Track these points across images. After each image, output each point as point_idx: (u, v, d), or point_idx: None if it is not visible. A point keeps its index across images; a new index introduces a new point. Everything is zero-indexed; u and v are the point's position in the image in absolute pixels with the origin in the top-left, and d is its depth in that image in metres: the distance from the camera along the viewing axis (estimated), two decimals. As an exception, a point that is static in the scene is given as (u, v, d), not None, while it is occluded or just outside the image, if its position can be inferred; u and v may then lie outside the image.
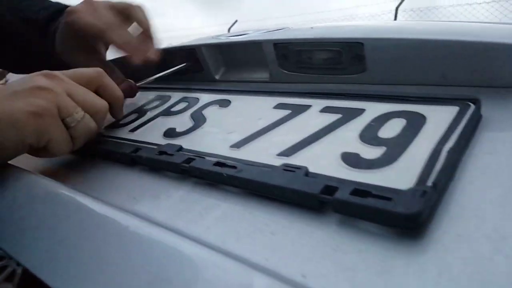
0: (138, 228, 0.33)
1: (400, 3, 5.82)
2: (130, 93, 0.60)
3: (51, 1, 0.68)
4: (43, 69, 0.47)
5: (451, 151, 0.32)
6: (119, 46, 0.60)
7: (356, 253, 0.28)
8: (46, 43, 0.65)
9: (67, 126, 0.45)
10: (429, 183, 0.29)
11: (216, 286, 0.25)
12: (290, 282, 0.25)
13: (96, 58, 0.64)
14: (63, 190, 0.40)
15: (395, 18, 5.90)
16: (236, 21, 7.28)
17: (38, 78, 0.44)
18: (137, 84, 0.61)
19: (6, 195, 0.41)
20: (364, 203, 0.29)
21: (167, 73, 0.67)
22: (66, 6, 0.66)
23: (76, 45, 0.62)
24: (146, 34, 0.63)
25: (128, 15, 0.62)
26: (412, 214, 0.27)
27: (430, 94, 0.40)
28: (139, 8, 0.63)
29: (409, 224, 0.27)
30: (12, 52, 0.70)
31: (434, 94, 0.40)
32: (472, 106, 0.37)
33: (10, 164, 0.46)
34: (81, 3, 0.62)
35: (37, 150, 0.44)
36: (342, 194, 0.30)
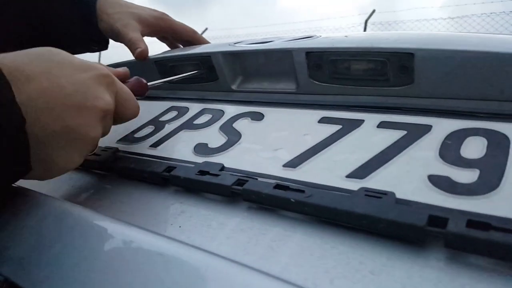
0: (201, 263, 0.27)
1: (370, 16, 5.98)
2: (140, 91, 0.53)
3: None
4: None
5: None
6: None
7: (488, 299, 0.23)
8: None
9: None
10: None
11: None
12: None
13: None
14: (96, 219, 0.33)
15: (365, 30, 6.06)
16: (206, 29, 7.22)
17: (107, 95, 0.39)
18: (148, 84, 0.55)
19: (35, 225, 0.34)
20: (488, 238, 0.25)
21: (179, 77, 0.61)
22: None
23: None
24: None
25: None
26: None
27: (502, 111, 0.37)
28: None
29: (550, 263, 0.23)
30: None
31: (504, 110, 0.37)
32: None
33: (27, 189, 0.39)
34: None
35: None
36: (456, 227, 0.26)
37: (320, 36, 0.56)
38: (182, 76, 0.61)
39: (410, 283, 0.25)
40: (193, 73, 0.62)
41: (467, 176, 0.31)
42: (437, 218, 0.27)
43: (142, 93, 0.52)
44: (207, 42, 0.74)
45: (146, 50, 0.65)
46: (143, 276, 0.27)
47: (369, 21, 6.14)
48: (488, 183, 0.30)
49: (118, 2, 0.69)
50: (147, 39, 0.70)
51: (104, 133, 0.41)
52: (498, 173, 0.30)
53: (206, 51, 0.61)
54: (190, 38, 0.76)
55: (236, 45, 0.60)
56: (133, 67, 0.65)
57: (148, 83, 0.53)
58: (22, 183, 0.37)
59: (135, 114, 0.45)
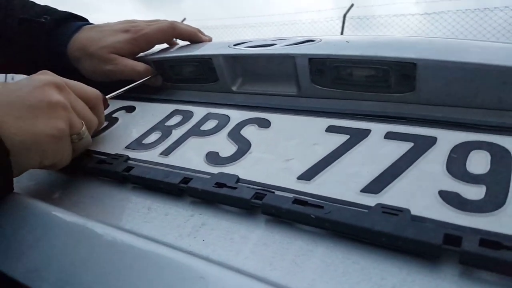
0: (230, 280, 0.29)
1: (348, 11, 5.99)
2: None
3: (48, 7, 0.71)
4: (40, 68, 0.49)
5: (563, 194, 0.31)
6: None
7: (502, 313, 0.26)
8: (51, 44, 0.67)
9: (72, 141, 0.46)
10: (557, 231, 0.28)
11: None
12: None
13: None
14: (120, 237, 0.34)
15: (343, 25, 6.08)
16: (184, 19, 7.08)
17: (49, 91, 0.43)
18: (106, 97, 0.56)
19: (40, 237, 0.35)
20: (499, 256, 0.27)
21: (136, 85, 0.64)
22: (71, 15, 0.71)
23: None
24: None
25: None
26: (561, 270, 0.26)
27: (504, 124, 0.39)
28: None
29: (556, 280, 0.26)
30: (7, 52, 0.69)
31: (504, 123, 0.39)
32: (554, 139, 0.36)
33: (40, 202, 0.40)
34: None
35: (44, 166, 0.45)
36: (470, 246, 0.28)
37: (321, 40, 0.57)
38: (139, 83, 0.64)
39: (430, 299, 0.27)
40: (148, 78, 0.65)
41: (475, 192, 0.33)
42: (452, 237, 0.29)
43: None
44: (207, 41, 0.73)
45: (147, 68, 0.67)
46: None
47: (347, 15, 6.15)
48: (495, 200, 0.32)
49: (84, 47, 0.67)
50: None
51: (73, 126, 0.46)
52: (504, 190, 0.33)
53: (206, 53, 0.61)
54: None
55: (236, 47, 0.61)
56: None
57: (107, 96, 0.55)
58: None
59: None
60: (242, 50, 0.59)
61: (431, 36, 0.63)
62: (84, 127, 0.48)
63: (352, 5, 6.04)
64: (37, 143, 0.40)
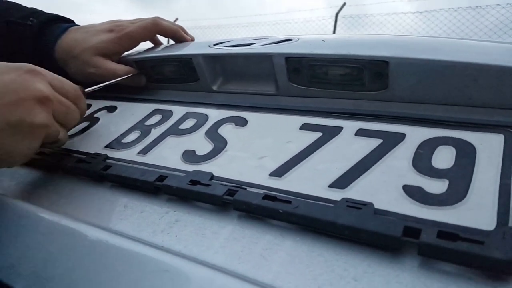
0: (204, 278, 0.30)
1: (340, 10, 6.01)
2: None
3: (34, 9, 0.72)
4: None
5: (519, 187, 0.32)
6: None
7: (456, 302, 0.27)
8: (38, 46, 0.68)
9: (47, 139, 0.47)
10: (511, 222, 0.29)
11: None
12: None
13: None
14: (91, 232, 0.35)
15: (335, 24, 6.10)
16: (176, 19, 7.08)
17: (38, 83, 0.44)
18: (86, 90, 0.57)
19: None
20: (455, 248, 0.28)
21: (116, 81, 0.65)
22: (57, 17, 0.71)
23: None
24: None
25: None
26: (510, 259, 0.27)
27: (471, 120, 0.40)
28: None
29: (507, 269, 0.27)
30: None
31: (474, 120, 0.40)
32: (517, 134, 0.37)
33: (16, 201, 0.40)
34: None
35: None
36: (428, 237, 0.29)
37: (299, 39, 0.58)
38: (119, 80, 0.64)
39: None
40: (128, 76, 0.66)
41: (438, 186, 0.34)
42: (411, 229, 0.30)
43: None
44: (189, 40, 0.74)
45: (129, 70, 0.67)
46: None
47: (339, 14, 6.18)
48: (456, 193, 0.33)
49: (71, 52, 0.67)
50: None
51: (58, 119, 0.47)
52: (465, 184, 0.34)
53: (187, 52, 0.62)
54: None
55: (216, 47, 0.62)
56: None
57: (86, 90, 0.55)
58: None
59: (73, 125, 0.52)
60: (221, 49, 0.60)
61: (408, 35, 0.64)
62: (62, 131, 0.48)
63: (344, 4, 6.07)
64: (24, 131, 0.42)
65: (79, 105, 0.51)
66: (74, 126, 0.53)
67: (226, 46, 0.61)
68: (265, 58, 0.56)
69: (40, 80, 0.44)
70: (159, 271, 0.30)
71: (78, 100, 0.51)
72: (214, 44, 0.63)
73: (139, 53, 0.68)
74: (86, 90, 0.55)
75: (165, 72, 0.65)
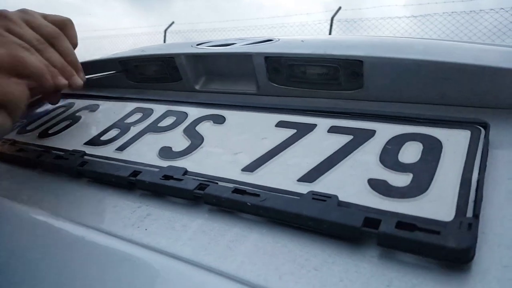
0: (168, 269, 0.31)
1: (335, 14, 6.04)
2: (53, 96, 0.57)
3: None
4: None
5: (480, 180, 0.33)
6: (38, 74, 0.47)
7: (411, 289, 0.28)
8: None
9: None
10: (469, 214, 0.30)
11: None
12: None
13: None
14: (61, 223, 0.36)
15: (330, 28, 6.13)
16: (173, 22, 7.10)
17: None
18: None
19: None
20: (412, 237, 0.29)
21: (99, 76, 0.66)
22: None
23: None
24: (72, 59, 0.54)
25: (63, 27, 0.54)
26: (464, 248, 0.27)
27: (439, 117, 0.41)
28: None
29: (461, 257, 0.28)
30: None
31: (443, 117, 0.41)
32: (483, 131, 0.38)
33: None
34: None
35: None
36: (387, 228, 0.30)
37: (279, 39, 0.59)
38: (102, 75, 0.65)
39: (347, 277, 0.29)
40: (111, 73, 0.67)
41: (402, 180, 0.35)
42: (372, 220, 0.31)
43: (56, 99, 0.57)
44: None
45: None
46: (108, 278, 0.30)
47: (335, 18, 6.21)
48: (418, 186, 0.34)
49: None
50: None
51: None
52: (429, 177, 0.34)
53: (169, 52, 0.63)
54: None
55: (198, 46, 0.63)
56: (97, 67, 0.66)
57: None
58: None
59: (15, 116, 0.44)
60: (203, 49, 0.61)
61: (385, 36, 0.65)
62: None
63: (339, 8, 6.10)
64: None
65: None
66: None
67: (209, 46, 0.62)
68: (245, 58, 0.56)
69: None
70: (123, 261, 0.30)
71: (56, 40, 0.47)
72: (197, 44, 0.64)
73: (123, 52, 0.69)
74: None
75: (149, 71, 0.66)
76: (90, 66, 0.70)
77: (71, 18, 0.69)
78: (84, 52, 0.77)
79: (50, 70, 0.48)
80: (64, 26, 0.53)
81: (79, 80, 0.52)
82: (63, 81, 0.50)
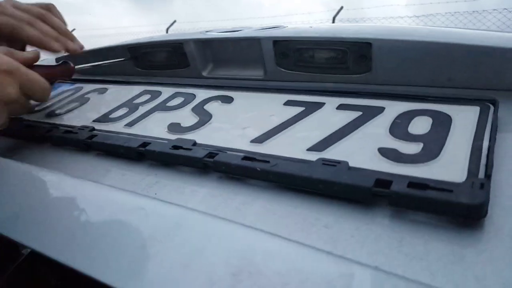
0: (181, 217, 0.31)
1: (337, 13, 6.09)
2: (66, 72, 0.56)
3: None
4: None
5: (491, 147, 0.33)
6: (35, 40, 0.54)
7: (423, 245, 0.27)
8: None
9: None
10: (481, 175, 0.30)
11: (310, 277, 0.23)
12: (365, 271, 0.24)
13: None
14: (79, 184, 0.36)
15: None
16: (174, 21, 7.14)
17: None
18: (76, 67, 0.57)
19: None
20: (425, 196, 0.29)
21: (107, 63, 0.66)
22: None
23: None
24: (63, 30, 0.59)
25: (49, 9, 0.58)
26: (478, 204, 0.27)
27: (448, 95, 0.41)
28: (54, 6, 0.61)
29: (475, 214, 0.28)
30: None
31: (452, 95, 0.41)
32: (492, 107, 0.38)
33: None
34: None
35: None
36: (398, 187, 0.30)
37: (287, 26, 0.60)
38: (110, 62, 0.66)
39: (358, 233, 0.29)
40: (120, 60, 0.67)
41: (412, 148, 0.35)
42: (383, 181, 0.31)
43: (69, 75, 0.57)
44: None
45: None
46: (126, 229, 0.30)
47: (336, 17, 6.25)
48: (429, 153, 0.34)
49: None
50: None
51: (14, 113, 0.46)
52: (439, 145, 0.35)
53: (178, 38, 0.63)
54: None
55: (207, 33, 0.63)
56: (106, 54, 0.67)
57: (76, 67, 0.56)
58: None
59: (44, 96, 0.49)
60: (212, 35, 0.61)
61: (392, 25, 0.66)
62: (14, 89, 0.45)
63: (341, 8, 6.14)
64: None
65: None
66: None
67: (217, 32, 0.63)
68: (253, 42, 0.57)
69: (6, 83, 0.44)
70: (136, 209, 0.30)
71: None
72: (206, 31, 0.65)
73: (132, 39, 0.69)
74: (76, 67, 0.56)
75: (157, 58, 0.67)
76: (99, 53, 0.70)
77: (71, 18, 0.70)
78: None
79: (45, 38, 0.54)
80: (49, 9, 0.57)
81: (74, 45, 0.57)
82: (58, 46, 0.55)
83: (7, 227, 0.36)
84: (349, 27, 0.54)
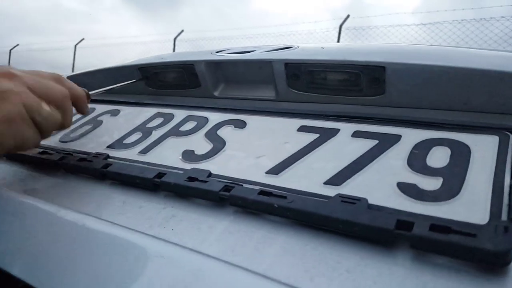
0: (197, 266, 0.30)
1: (344, 21, 6.07)
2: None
3: None
4: None
5: (512, 184, 0.32)
6: None
7: (447, 292, 0.27)
8: None
9: (35, 122, 0.44)
10: (504, 217, 0.30)
11: None
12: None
13: None
14: (93, 223, 0.36)
15: (339, 35, 6.16)
16: (182, 30, 7.17)
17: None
18: (90, 93, 0.57)
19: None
20: (447, 240, 0.28)
21: (120, 86, 0.65)
22: None
23: None
24: None
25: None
26: (502, 251, 0.27)
27: (466, 122, 0.41)
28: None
29: (499, 260, 0.27)
30: None
31: (469, 122, 0.41)
32: (511, 136, 0.38)
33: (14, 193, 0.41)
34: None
35: (10, 150, 0.44)
36: (420, 230, 0.29)
37: (298, 47, 0.59)
38: (123, 84, 0.65)
39: (381, 280, 0.29)
40: (133, 81, 0.67)
41: (432, 183, 0.35)
42: (404, 222, 0.30)
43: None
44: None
45: None
46: (140, 275, 0.30)
47: (343, 26, 6.23)
48: (450, 190, 0.33)
49: None
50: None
51: (30, 106, 0.44)
52: (459, 181, 0.34)
53: (189, 59, 0.63)
54: None
55: (218, 54, 0.63)
56: (116, 74, 0.67)
57: (90, 92, 0.56)
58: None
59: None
60: (223, 56, 0.61)
61: (405, 43, 0.65)
62: (46, 106, 0.45)
63: (348, 16, 6.12)
64: None
65: (65, 109, 0.48)
66: (54, 130, 0.48)
67: (228, 53, 0.63)
68: (265, 64, 0.57)
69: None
70: (155, 257, 0.30)
71: (63, 104, 0.48)
72: (216, 52, 0.65)
73: (142, 59, 0.69)
74: (90, 92, 0.56)
75: (168, 78, 0.66)
76: (109, 72, 0.70)
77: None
78: (95, 60, 0.77)
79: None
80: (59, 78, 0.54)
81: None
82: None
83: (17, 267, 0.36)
84: (362, 48, 0.53)
